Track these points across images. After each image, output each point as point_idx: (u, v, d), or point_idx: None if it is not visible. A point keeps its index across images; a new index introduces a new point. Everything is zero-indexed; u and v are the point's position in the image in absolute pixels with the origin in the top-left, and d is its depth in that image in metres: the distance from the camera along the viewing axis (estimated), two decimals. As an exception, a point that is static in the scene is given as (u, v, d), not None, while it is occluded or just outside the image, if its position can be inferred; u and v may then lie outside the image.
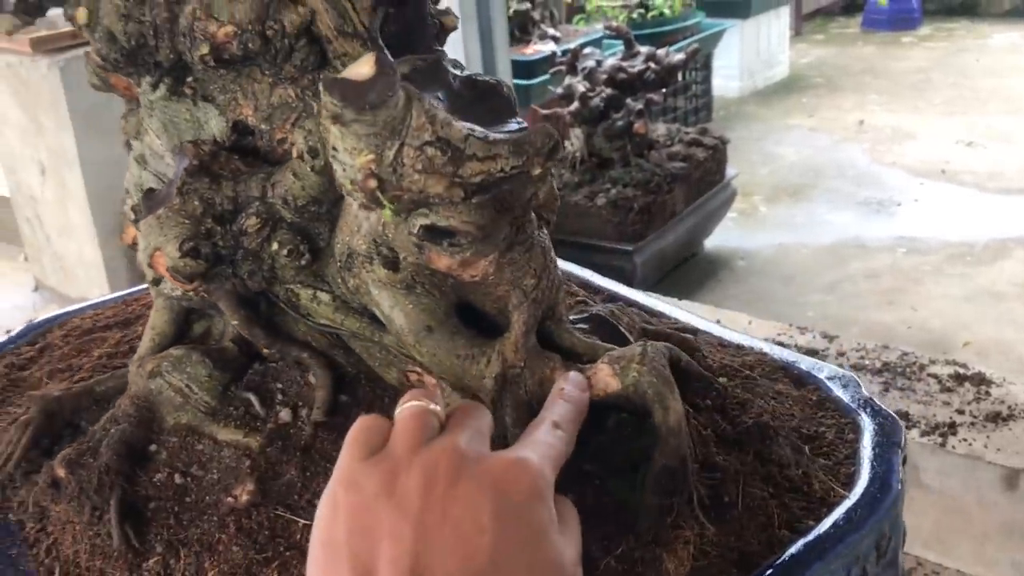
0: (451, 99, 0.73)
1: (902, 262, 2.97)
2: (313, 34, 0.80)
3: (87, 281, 2.89)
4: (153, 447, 0.84)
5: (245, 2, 0.77)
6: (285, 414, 0.85)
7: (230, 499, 0.77)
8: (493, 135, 0.67)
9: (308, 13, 0.77)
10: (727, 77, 4.83)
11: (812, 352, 1.93)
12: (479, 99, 0.74)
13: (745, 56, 4.87)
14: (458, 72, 0.75)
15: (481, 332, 0.78)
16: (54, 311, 1.02)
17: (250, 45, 0.78)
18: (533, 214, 0.78)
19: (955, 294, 2.75)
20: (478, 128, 0.68)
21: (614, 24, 2.93)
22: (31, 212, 2.98)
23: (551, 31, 3.55)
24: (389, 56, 0.74)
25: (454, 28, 0.85)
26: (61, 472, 0.79)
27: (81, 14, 0.79)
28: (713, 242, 3.15)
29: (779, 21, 5.11)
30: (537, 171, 0.68)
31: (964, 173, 3.64)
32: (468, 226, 0.71)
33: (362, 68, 0.65)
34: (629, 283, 1.29)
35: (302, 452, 0.81)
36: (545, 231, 0.80)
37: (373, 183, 0.68)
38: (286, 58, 0.79)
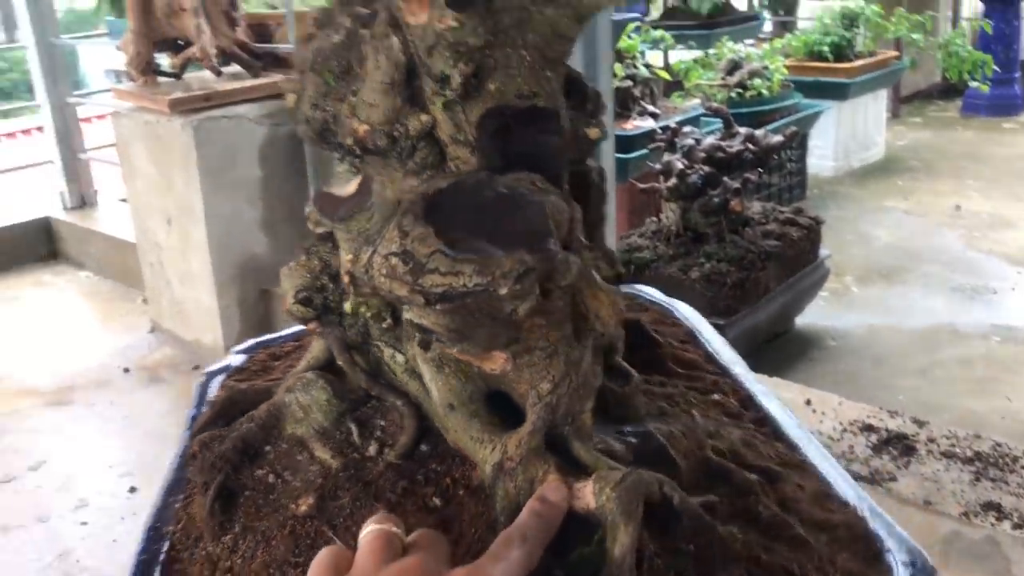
0: (476, 214, 0.82)
1: (997, 351, 2.95)
2: (434, 137, 0.93)
3: (202, 326, 3.06)
4: (268, 448, 1.00)
5: (379, 107, 0.90)
6: (372, 448, 0.99)
7: (293, 506, 0.91)
8: (460, 254, 0.77)
9: (430, 121, 0.90)
10: (822, 156, 4.87)
11: (901, 437, 1.95)
12: (512, 214, 0.83)
13: (841, 136, 4.91)
14: (502, 190, 0.84)
15: (508, 420, 0.87)
16: (226, 361, 1.18)
17: (379, 142, 0.91)
18: (570, 326, 0.85)
19: (1052, 386, 2.72)
20: (447, 249, 0.77)
21: (714, 105, 3.02)
22: (154, 258, 3.18)
23: (650, 107, 3.66)
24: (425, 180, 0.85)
25: (600, 138, 0.95)
26: (195, 448, 0.95)
27: (290, 99, 0.94)
28: (804, 320, 3.17)
29: (876, 103, 5.14)
30: (504, 291, 0.76)
31: (1064, 264, 3.60)
32: (439, 327, 0.81)
33: (350, 186, 0.79)
34: None
35: (363, 484, 0.93)
36: (588, 342, 0.86)
37: (347, 279, 0.82)
38: (409, 155, 0.92)
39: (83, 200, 4.20)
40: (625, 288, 1.27)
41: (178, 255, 3.06)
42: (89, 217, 4.09)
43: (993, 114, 5.97)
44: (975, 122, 5.93)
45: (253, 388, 1.07)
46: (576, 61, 2.17)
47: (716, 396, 0.96)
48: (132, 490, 2.36)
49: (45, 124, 4.15)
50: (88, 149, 4.22)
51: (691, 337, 1.13)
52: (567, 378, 0.85)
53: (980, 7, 6.28)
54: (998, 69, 5.15)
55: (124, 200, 3.96)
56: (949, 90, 6.29)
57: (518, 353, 0.83)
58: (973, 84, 5.17)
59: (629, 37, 4.16)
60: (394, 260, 0.78)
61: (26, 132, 8.36)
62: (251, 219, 2.97)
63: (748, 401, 0.98)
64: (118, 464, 2.48)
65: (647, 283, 1.26)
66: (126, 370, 3.06)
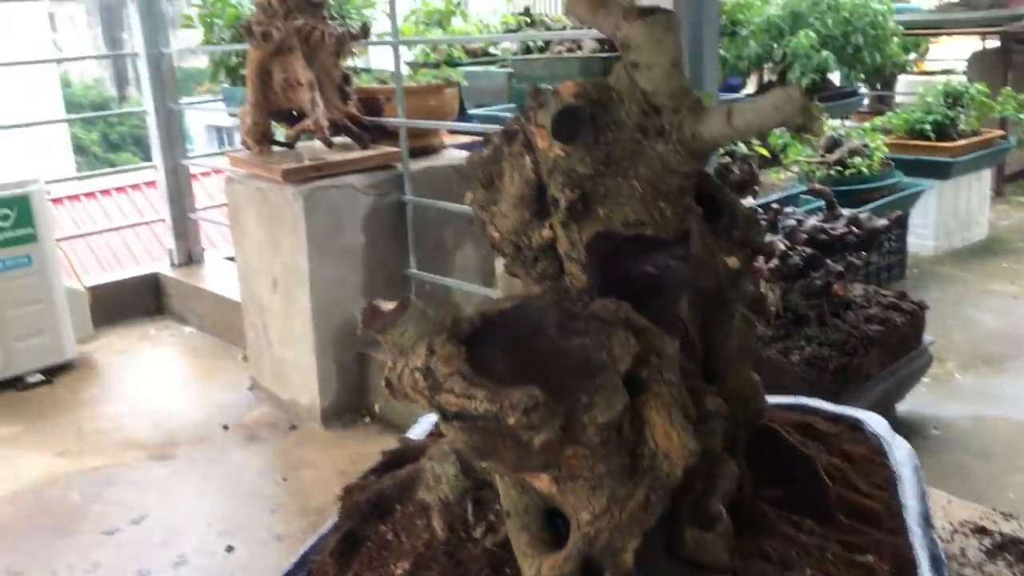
0: (537, 337, 0.85)
1: (1114, 449, 2.82)
2: (555, 250, 0.97)
3: (300, 386, 3.13)
4: (398, 507, 1.06)
5: (509, 218, 0.95)
6: (480, 530, 1.03)
7: (394, 566, 0.98)
8: (476, 379, 0.79)
9: (551, 236, 0.94)
10: (923, 236, 4.77)
11: (1017, 541, 1.87)
12: (571, 342, 0.84)
13: (943, 216, 4.81)
14: (569, 322, 0.86)
15: (563, 538, 0.89)
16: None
17: (506, 250, 0.97)
18: (622, 460, 0.85)
19: None
20: (467, 371, 0.80)
21: (817, 186, 3.00)
22: (258, 319, 3.27)
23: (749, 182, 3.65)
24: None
25: (739, 268, 0.97)
26: (342, 492, 1.08)
27: (467, 197, 1.01)
28: (906, 407, 3.09)
29: (980, 183, 5.03)
30: (511, 421, 0.77)
31: None
32: (459, 443, 0.83)
33: (391, 304, 0.85)
34: None
35: (455, 563, 0.97)
36: (643, 480, 0.85)
37: (384, 383, 0.88)
38: (532, 265, 0.96)
39: (190, 257, 4.36)
40: (843, 412, 1.26)
41: (281, 316, 3.14)
42: (195, 274, 4.24)
43: (1104, 195, 5.78)
44: (1084, 203, 5.75)
45: (421, 444, 1.14)
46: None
47: (868, 558, 0.93)
48: (229, 549, 2.41)
49: (159, 183, 4.34)
50: (197, 209, 4.39)
51: (888, 484, 1.11)
52: (608, 512, 0.85)
53: (1090, 86, 6.12)
54: (1110, 151, 5.00)
55: (229, 258, 4.11)
56: (1056, 169, 6.11)
57: (561, 478, 0.84)
58: (1083, 165, 5.02)
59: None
60: (417, 375, 0.82)
61: (135, 187, 8.75)
62: (353, 284, 3.05)
63: (906, 568, 0.94)
64: (217, 522, 2.54)
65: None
66: (225, 427, 3.14)
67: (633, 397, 0.82)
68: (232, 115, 4.11)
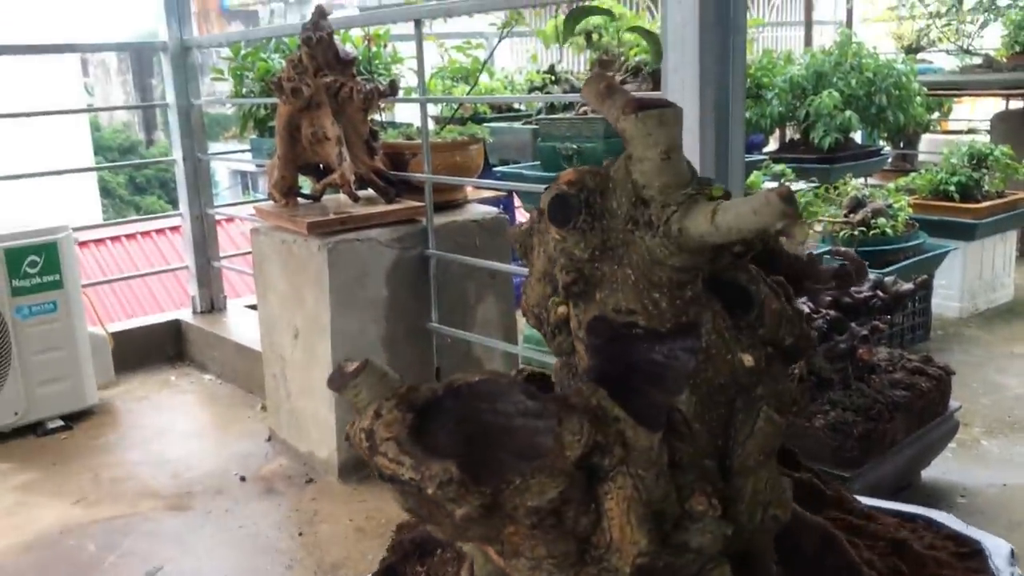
0: (489, 415, 0.87)
1: None
2: (571, 328, 0.98)
3: (318, 439, 3.12)
4: (439, 550, 1.11)
5: (535, 291, 0.97)
6: None
7: None
8: (409, 447, 0.83)
9: (565, 313, 0.96)
10: (947, 297, 4.73)
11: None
12: (526, 424, 0.86)
13: (967, 277, 4.77)
14: (527, 402, 0.88)
15: None
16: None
17: (530, 321, 1.00)
18: (565, 547, 0.88)
19: None
20: (402, 439, 0.86)
21: (842, 249, 2.99)
22: (278, 369, 3.27)
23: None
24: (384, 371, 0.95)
25: (754, 367, 0.96)
26: (396, 528, 1.17)
27: (524, 302, 1.04)
28: (931, 473, 3.04)
29: (1005, 244, 5.00)
30: (429, 491, 0.82)
31: None
32: (397, 502, 0.90)
33: (353, 366, 0.89)
34: None
35: None
36: (589, 570, 0.86)
37: (345, 436, 0.94)
38: (552, 339, 0.98)
39: (212, 304, 4.39)
40: (968, 533, 1.23)
41: (301, 367, 3.15)
42: (217, 322, 4.26)
43: None
44: (1111, 266, 5.69)
45: None
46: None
47: None
48: (243, 605, 2.38)
49: (184, 231, 4.38)
50: (221, 256, 4.43)
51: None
52: None
53: (1116, 149, 6.10)
54: None
55: (251, 306, 4.13)
56: (1083, 231, 6.06)
57: (505, 554, 0.86)
58: (1109, 228, 4.99)
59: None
60: (362, 435, 0.86)
61: (160, 232, 8.85)
62: (374, 336, 3.05)
63: None
64: (231, 577, 2.52)
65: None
66: (242, 478, 3.12)
67: (595, 485, 0.82)
68: (259, 166, 4.16)
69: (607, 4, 4.03)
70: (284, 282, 3.12)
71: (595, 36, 4.10)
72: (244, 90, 3.99)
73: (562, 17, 4.75)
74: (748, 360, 0.93)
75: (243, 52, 4.01)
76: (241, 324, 4.20)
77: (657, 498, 0.84)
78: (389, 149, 3.23)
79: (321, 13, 2.96)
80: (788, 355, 0.98)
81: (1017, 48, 6.37)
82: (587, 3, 2.21)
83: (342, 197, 3.14)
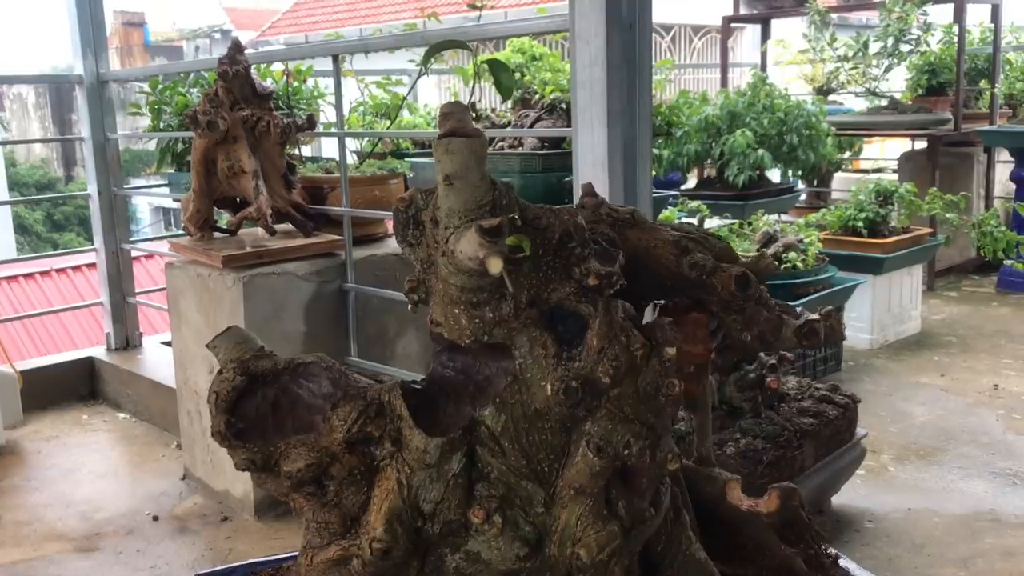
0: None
1: (1041, 543, 2.87)
2: None
3: (234, 477, 3.07)
4: None
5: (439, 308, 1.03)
6: None
7: None
8: (219, 405, 1.04)
9: None
10: (858, 329, 4.88)
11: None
12: (315, 403, 1.03)
13: (876, 310, 4.94)
14: (330, 387, 1.02)
15: None
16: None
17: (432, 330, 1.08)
18: (335, 516, 1.05)
19: (1099, 584, 2.63)
20: (223, 400, 1.05)
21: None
22: (193, 406, 3.22)
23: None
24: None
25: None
26: None
27: None
28: (840, 500, 3.12)
29: (912, 278, 5.18)
30: (217, 441, 1.02)
31: (1108, 452, 3.53)
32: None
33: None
34: None
35: None
36: (341, 544, 1.03)
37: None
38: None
39: (128, 341, 4.30)
40: None
41: (217, 404, 3.10)
42: (132, 359, 4.17)
43: (1029, 292, 5.99)
44: (1011, 299, 5.95)
45: None
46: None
47: None
48: (152, 647, 2.32)
49: (99, 267, 4.29)
50: (137, 292, 4.35)
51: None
52: (305, 556, 1.07)
53: (1012, 187, 6.40)
54: (1033, 249, 5.19)
55: (167, 343, 4.06)
56: (984, 265, 6.33)
57: (294, 512, 1.07)
58: (1009, 262, 5.22)
59: (666, 207, 4.28)
60: (212, 395, 1.05)
61: (77, 269, 8.64)
62: (291, 372, 3.02)
63: None
64: (140, 618, 2.45)
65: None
66: (155, 518, 3.05)
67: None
68: (176, 200, 4.11)
69: (527, 46, 4.12)
70: (199, 317, 3.08)
71: (517, 75, 4.17)
72: (162, 124, 3.95)
73: (483, 56, 4.83)
74: (548, 389, 0.97)
75: (161, 86, 3.98)
76: (157, 361, 4.12)
77: (431, 498, 0.91)
78: (307, 183, 3.23)
79: (237, 47, 2.96)
80: (642, 396, 1.00)
81: (920, 91, 6.66)
82: (450, 39, 2.26)
83: (259, 231, 3.13)
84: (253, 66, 3.07)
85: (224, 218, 3.26)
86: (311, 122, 3.07)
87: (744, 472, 2.66)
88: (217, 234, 3.16)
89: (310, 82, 4.14)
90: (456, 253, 0.92)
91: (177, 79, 4.03)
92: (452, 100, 0.99)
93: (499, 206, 0.93)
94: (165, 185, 4.34)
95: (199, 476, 3.27)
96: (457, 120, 0.94)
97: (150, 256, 7.23)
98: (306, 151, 4.25)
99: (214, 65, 3.06)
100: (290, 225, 3.12)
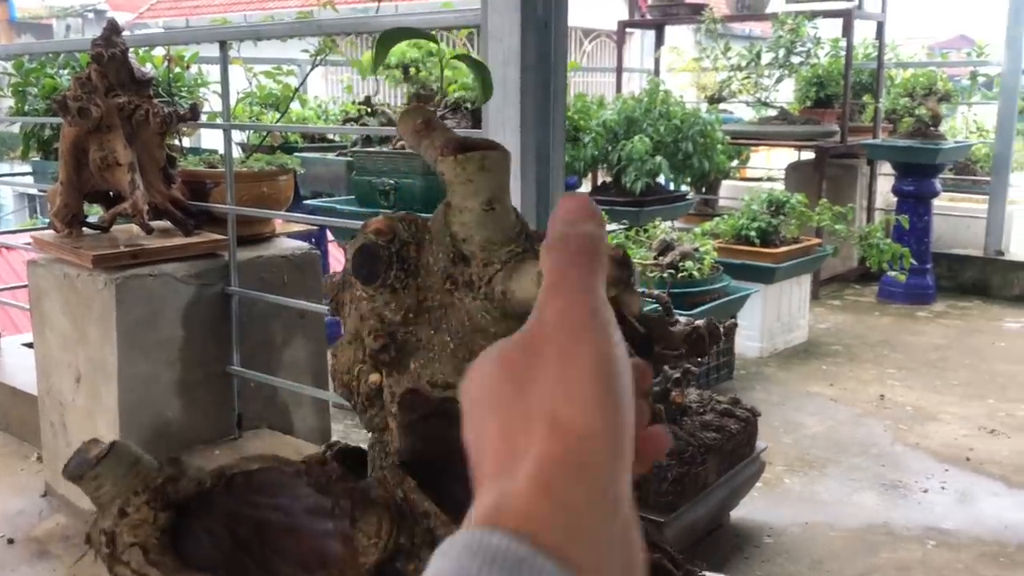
0: (270, 513, 0.77)
1: (933, 557, 2.90)
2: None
3: (101, 495, 2.82)
4: None
5: (343, 355, 0.82)
6: None
7: None
8: (158, 558, 0.78)
9: (377, 383, 0.81)
10: (749, 338, 4.92)
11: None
12: (314, 526, 0.76)
13: (767, 319, 4.98)
14: (316, 497, 0.77)
15: None
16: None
17: (338, 389, 0.84)
18: None
19: (990, 599, 2.66)
20: (155, 545, 0.78)
21: (655, 292, 3.01)
22: (56, 417, 2.95)
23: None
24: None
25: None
26: None
27: (333, 365, 0.87)
28: (739, 514, 3.09)
29: (800, 287, 5.26)
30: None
31: (989, 463, 3.62)
32: None
33: (98, 448, 0.74)
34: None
35: None
36: None
37: (85, 538, 0.84)
38: (363, 411, 0.83)
39: (-16, 343, 3.95)
40: None
41: (84, 415, 2.84)
42: (-12, 363, 3.83)
43: (908, 302, 6.18)
44: (891, 308, 6.13)
45: None
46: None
47: None
48: None
49: (-48, 261, 3.93)
50: (-4, 290, 4.00)
51: None
52: None
53: (893, 200, 6.60)
54: (914, 262, 5.35)
55: (29, 345, 3.74)
56: (866, 275, 6.51)
57: None
58: (891, 273, 5.35)
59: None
60: (102, 537, 0.71)
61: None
62: (168, 381, 2.80)
63: None
64: (-10, 659, 2.20)
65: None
66: (10, 541, 2.78)
67: None
68: (42, 191, 3.80)
69: (432, 44, 3.97)
70: (65, 320, 2.82)
71: (413, 70, 4.01)
72: (27, 108, 3.63)
73: (451, 52, 4.65)
74: None
75: (27, 67, 3.66)
76: (16, 364, 3.79)
77: None
78: (189, 177, 3.00)
79: (114, 28, 2.72)
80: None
81: (808, 103, 6.80)
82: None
83: (134, 228, 2.88)
84: (131, 49, 2.82)
85: (96, 210, 3.00)
86: (194, 112, 2.85)
87: (651, 490, 2.59)
88: (87, 230, 2.90)
89: (193, 69, 3.88)
90: (509, 294, 0.71)
91: (45, 59, 3.72)
92: (413, 105, 0.80)
93: (526, 232, 0.75)
94: (30, 174, 4.01)
95: (62, 493, 2.99)
96: (444, 128, 0.76)
97: (12, 249, 6.74)
98: (186, 142, 3.99)
99: (87, 46, 2.80)
100: (169, 223, 2.89)
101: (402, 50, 4.40)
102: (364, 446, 0.88)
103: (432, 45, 4.42)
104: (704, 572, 1.20)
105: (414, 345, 0.77)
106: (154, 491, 0.68)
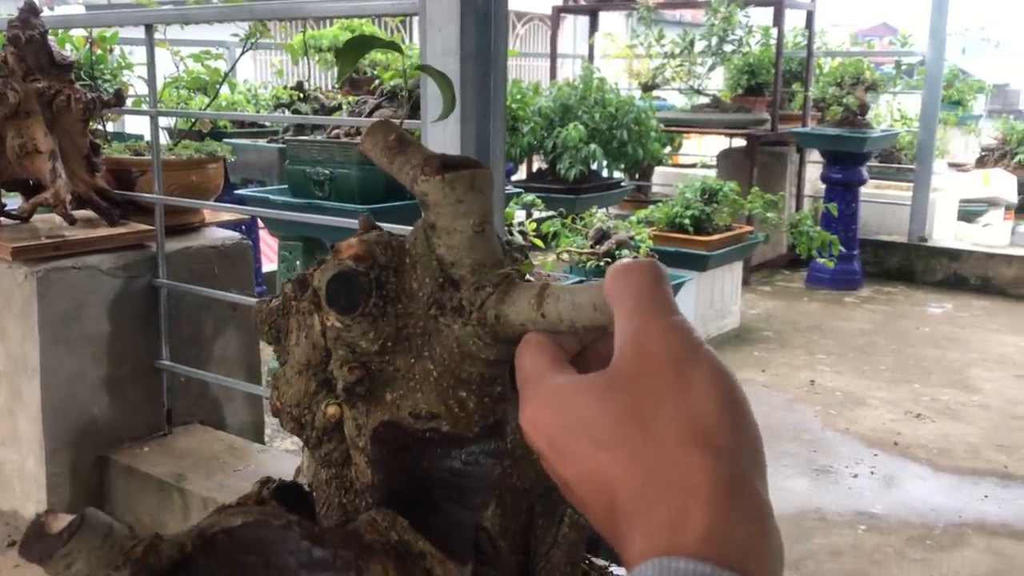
0: (262, 572, 0.71)
1: (864, 541, 2.96)
2: (344, 434, 0.79)
3: (24, 495, 2.72)
4: None
5: (293, 387, 0.77)
6: None
7: None
8: None
9: (337, 414, 0.76)
10: (683, 324, 4.96)
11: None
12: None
13: (700, 306, 5.03)
14: (313, 550, 0.72)
15: None
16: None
17: (285, 423, 0.79)
18: None
19: (919, 582, 2.73)
20: None
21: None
22: (-26, 415, 2.83)
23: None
24: None
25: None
26: None
27: (275, 401, 0.82)
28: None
29: (732, 274, 5.33)
30: None
31: (916, 447, 3.72)
32: None
33: (66, 519, 0.65)
34: (595, 548, 1.24)
35: None
36: None
37: None
38: (317, 446, 0.79)
39: None
40: None
41: (4, 414, 2.74)
42: (-100, 357, 3.66)
43: (836, 287, 6.31)
44: (820, 294, 6.24)
45: None
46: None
47: None
48: None
49: None
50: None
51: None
52: None
53: (821, 187, 6.71)
54: (842, 248, 5.45)
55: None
56: (795, 261, 6.62)
57: None
58: (820, 260, 5.45)
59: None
60: None
61: None
62: (94, 377, 2.71)
63: None
64: (-94, 672, 2.11)
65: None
66: (-74, 545, 2.66)
67: None
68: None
69: (356, 24, 3.89)
70: (-17, 315, 2.70)
71: (344, 54, 3.93)
72: (-62, 90, 3.46)
73: (310, 31, 4.55)
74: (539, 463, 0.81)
75: (-63, 46, 3.48)
76: (-69, 359, 3.63)
77: None
78: (114, 165, 2.89)
79: (32, 9, 2.60)
80: None
81: (739, 91, 6.88)
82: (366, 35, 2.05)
83: (56, 218, 2.77)
84: (51, 31, 2.70)
85: (14, 198, 2.88)
86: (119, 97, 2.75)
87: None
88: (6, 221, 2.78)
89: (116, 51, 3.75)
90: (503, 317, 0.67)
91: (-43, 39, 3.54)
92: (379, 120, 0.74)
93: (510, 251, 0.71)
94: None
95: (-19, 494, 2.88)
96: (419, 145, 0.71)
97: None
98: (110, 127, 3.86)
99: (3, 28, 2.68)
100: (93, 213, 2.78)
101: (335, 33, 4.31)
102: (293, 477, 0.84)
103: (366, 28, 4.34)
104: (613, 567, 1.18)
105: (390, 375, 0.72)
106: (136, 563, 0.61)
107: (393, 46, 0.80)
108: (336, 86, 4.13)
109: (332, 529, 0.69)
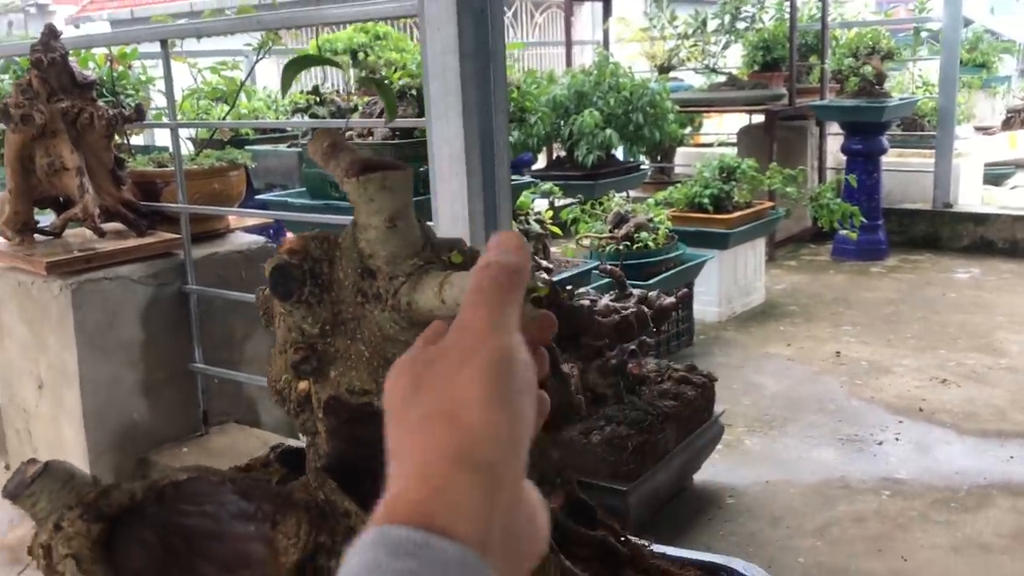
0: (198, 521, 0.80)
1: (888, 506, 3.00)
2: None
3: (71, 499, 2.84)
4: None
5: (275, 365, 0.88)
6: None
7: None
8: (91, 566, 0.80)
9: (306, 390, 0.87)
10: (707, 303, 5.00)
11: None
12: (236, 530, 0.80)
13: (724, 283, 5.07)
14: (240, 503, 0.81)
15: None
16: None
17: (273, 396, 0.90)
18: None
19: (943, 544, 2.77)
20: (87, 556, 0.80)
21: (607, 267, 3.07)
22: (21, 424, 2.96)
23: (543, 262, 3.70)
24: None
25: None
26: None
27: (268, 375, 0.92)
28: (701, 476, 3.17)
29: (755, 250, 5.35)
30: None
31: (941, 412, 3.74)
32: None
33: (33, 469, 0.80)
34: (623, 523, 1.29)
35: None
36: None
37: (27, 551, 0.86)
38: (296, 416, 0.89)
39: (-57, 354, 3.92)
40: (724, 563, 1.22)
41: (48, 421, 2.86)
42: (-51, 373, 3.80)
43: (861, 258, 6.30)
44: (845, 266, 6.24)
45: None
46: (477, 226, 2.17)
47: None
48: None
49: (-96, 273, 3.89)
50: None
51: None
52: None
53: (843, 159, 6.70)
54: (864, 219, 5.45)
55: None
56: (820, 234, 6.62)
57: None
58: (843, 232, 5.46)
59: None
60: (40, 551, 0.76)
61: None
62: (131, 383, 2.82)
63: None
64: (-30, 667, 2.23)
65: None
66: (-17, 550, 2.79)
67: None
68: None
69: (370, 24, 3.97)
70: (23, 328, 2.82)
71: (361, 55, 4.02)
72: (-31, 115, 3.59)
73: (324, 36, 4.63)
74: None
75: (-34, 72, 3.62)
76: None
77: None
78: (139, 178, 3.00)
79: (52, 32, 2.71)
80: (554, 423, 0.94)
81: (756, 67, 6.87)
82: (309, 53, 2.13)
83: (87, 232, 2.88)
84: (71, 52, 2.81)
85: (47, 215, 3.00)
86: (140, 112, 2.85)
87: (610, 460, 2.66)
88: (39, 237, 2.90)
89: (136, 66, 3.86)
90: (414, 304, 0.77)
91: (-16, 64, 3.68)
92: (322, 127, 0.84)
93: (432, 243, 0.81)
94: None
95: (32, 499, 3.01)
96: (350, 149, 0.81)
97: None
98: (135, 140, 3.97)
99: (26, 50, 2.79)
100: (121, 225, 2.89)
101: (349, 35, 4.40)
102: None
103: (380, 29, 4.43)
104: (652, 545, 1.25)
105: (332, 355, 0.82)
106: (86, 505, 0.73)
107: (332, 62, 0.91)
108: (353, 88, 4.21)
109: (262, 486, 0.78)
